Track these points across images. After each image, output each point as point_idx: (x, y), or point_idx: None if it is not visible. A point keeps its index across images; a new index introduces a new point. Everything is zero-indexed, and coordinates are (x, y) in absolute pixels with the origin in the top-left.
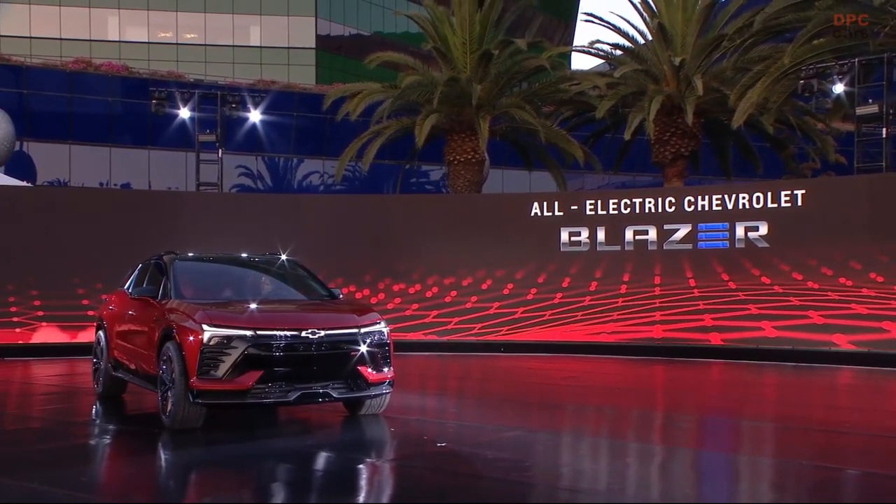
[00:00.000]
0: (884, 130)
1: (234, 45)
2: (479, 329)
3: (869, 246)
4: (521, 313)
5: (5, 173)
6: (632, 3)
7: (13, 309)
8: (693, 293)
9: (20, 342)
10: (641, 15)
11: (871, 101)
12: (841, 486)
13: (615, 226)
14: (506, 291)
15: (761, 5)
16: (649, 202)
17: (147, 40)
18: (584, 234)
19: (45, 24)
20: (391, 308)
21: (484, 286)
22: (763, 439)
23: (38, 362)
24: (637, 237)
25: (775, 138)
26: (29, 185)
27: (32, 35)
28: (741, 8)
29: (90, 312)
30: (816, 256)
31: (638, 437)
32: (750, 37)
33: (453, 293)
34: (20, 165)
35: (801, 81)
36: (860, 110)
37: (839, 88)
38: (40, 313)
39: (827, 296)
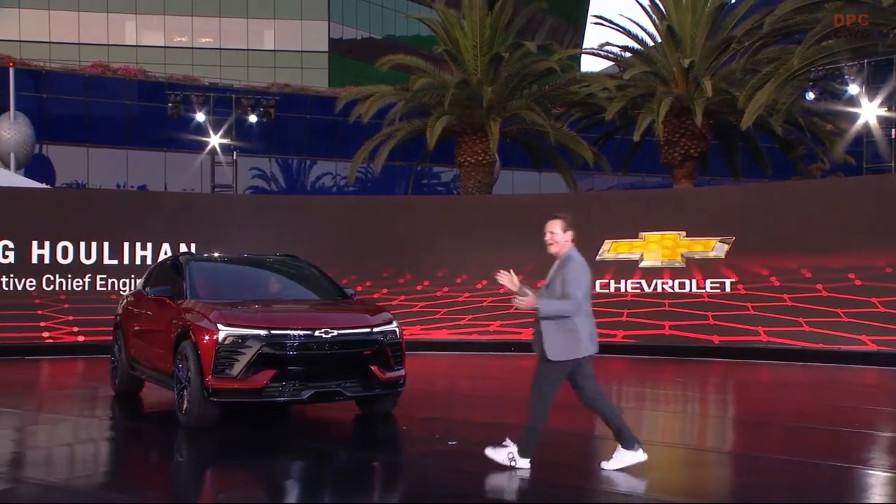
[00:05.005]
0: (893, 131)
1: (248, 49)
2: (496, 327)
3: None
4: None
5: (25, 175)
6: (641, 5)
7: (39, 312)
8: (703, 296)
9: (44, 341)
10: (650, 17)
11: (880, 102)
12: None
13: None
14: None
15: (770, 7)
16: None
17: (163, 44)
18: None
19: (63, 29)
20: (400, 305)
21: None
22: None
23: (60, 361)
24: None
25: (784, 139)
26: (48, 186)
27: (52, 40)
28: (750, 10)
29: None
30: None
31: (649, 436)
32: (759, 38)
33: (465, 295)
34: (39, 168)
35: (811, 83)
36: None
37: (849, 89)
38: (66, 306)
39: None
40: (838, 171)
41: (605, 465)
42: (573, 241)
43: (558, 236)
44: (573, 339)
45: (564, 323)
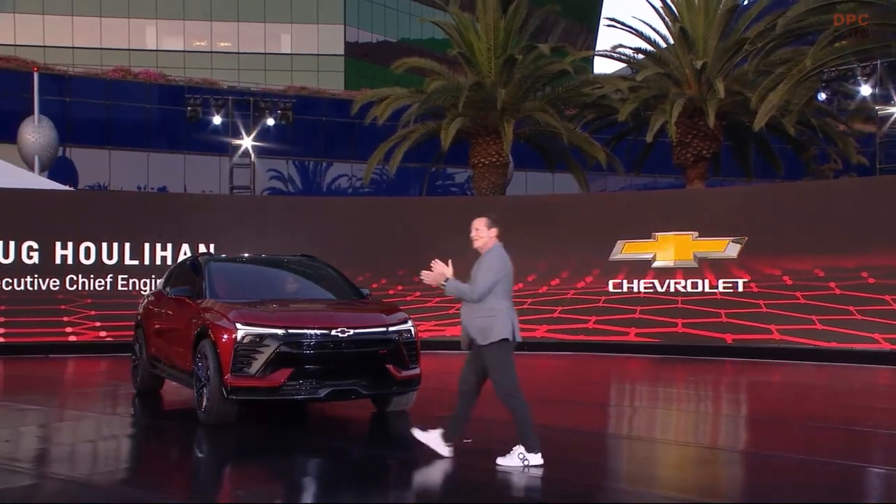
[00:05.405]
0: None
1: (265, 53)
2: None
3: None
4: (529, 305)
5: (49, 177)
6: (654, 7)
7: (63, 307)
8: (716, 296)
9: (67, 338)
10: (663, 19)
11: (893, 102)
12: None
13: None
14: (543, 289)
15: (783, 8)
16: None
17: (183, 49)
18: None
19: (86, 35)
20: (415, 301)
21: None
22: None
23: (83, 359)
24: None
25: (797, 140)
26: (71, 189)
27: (74, 45)
28: (763, 11)
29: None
30: None
31: (662, 435)
32: (772, 40)
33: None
34: (62, 170)
35: (823, 84)
36: (882, 111)
37: (862, 90)
38: (88, 300)
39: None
40: (851, 172)
41: (417, 432)
42: (498, 237)
43: (482, 232)
44: (493, 322)
45: (479, 309)
